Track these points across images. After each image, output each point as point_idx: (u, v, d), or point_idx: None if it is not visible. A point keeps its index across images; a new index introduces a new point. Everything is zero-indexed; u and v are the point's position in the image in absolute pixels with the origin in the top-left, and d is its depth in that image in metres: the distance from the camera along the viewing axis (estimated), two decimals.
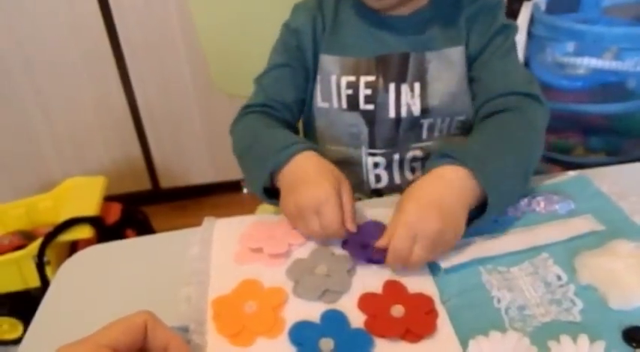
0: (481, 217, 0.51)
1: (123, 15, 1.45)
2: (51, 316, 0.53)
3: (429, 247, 0.48)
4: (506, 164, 0.53)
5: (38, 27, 1.44)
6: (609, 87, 1.31)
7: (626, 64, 1.26)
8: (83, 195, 1.36)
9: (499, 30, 0.66)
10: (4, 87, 1.51)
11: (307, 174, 0.55)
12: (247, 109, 0.70)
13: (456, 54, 0.66)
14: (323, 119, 0.71)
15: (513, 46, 0.67)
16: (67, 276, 0.59)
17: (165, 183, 1.76)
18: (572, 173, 0.59)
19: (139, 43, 1.50)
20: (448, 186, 0.50)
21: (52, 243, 1.25)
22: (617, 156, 1.33)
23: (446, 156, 0.53)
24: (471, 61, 0.67)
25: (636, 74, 1.27)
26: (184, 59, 1.53)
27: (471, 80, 0.67)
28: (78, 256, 0.62)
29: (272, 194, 0.59)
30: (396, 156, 0.69)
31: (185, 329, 0.45)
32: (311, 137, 0.74)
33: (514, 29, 0.68)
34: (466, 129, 0.68)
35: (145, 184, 1.75)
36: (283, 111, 0.69)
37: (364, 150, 0.69)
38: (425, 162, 0.66)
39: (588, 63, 1.28)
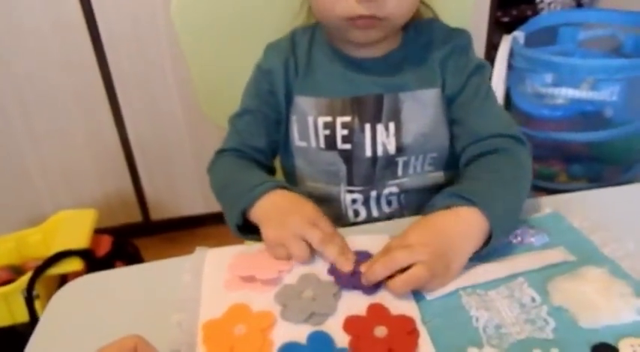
0: (482, 250, 0.54)
1: (115, 49, 1.48)
2: (43, 347, 0.54)
3: (428, 267, 0.49)
4: (505, 203, 0.56)
5: (30, 63, 1.46)
6: (588, 116, 1.35)
7: (602, 94, 1.31)
8: (73, 228, 1.36)
9: (474, 70, 0.67)
10: None
11: (281, 208, 0.58)
12: (222, 152, 0.73)
13: (429, 95, 0.67)
14: (301, 158, 0.72)
15: (490, 87, 0.69)
16: (58, 307, 0.59)
17: (156, 215, 1.77)
18: (547, 210, 0.62)
19: (130, 77, 1.53)
20: (455, 219, 0.54)
21: (42, 277, 1.24)
22: (598, 182, 1.37)
23: (454, 195, 0.55)
24: (449, 102, 0.68)
25: (612, 103, 1.31)
26: (175, 92, 1.56)
27: (451, 121, 0.68)
28: (69, 286, 0.62)
29: (249, 230, 0.61)
30: (374, 193, 0.70)
31: None
32: (290, 175, 0.75)
33: (488, 69, 0.69)
34: (438, 165, 0.70)
35: (136, 216, 1.75)
36: (256, 154, 0.72)
37: (343, 187, 0.70)
38: (400, 198, 0.71)
39: (566, 93, 1.33)
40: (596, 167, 1.38)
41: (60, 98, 1.52)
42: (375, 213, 0.71)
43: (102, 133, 1.60)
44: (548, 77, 1.35)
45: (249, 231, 0.61)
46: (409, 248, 0.50)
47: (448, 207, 0.55)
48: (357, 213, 0.72)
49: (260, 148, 0.72)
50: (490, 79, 0.71)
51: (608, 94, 1.30)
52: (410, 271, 0.49)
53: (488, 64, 0.70)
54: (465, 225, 0.53)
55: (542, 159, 1.40)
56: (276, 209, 0.59)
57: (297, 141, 0.71)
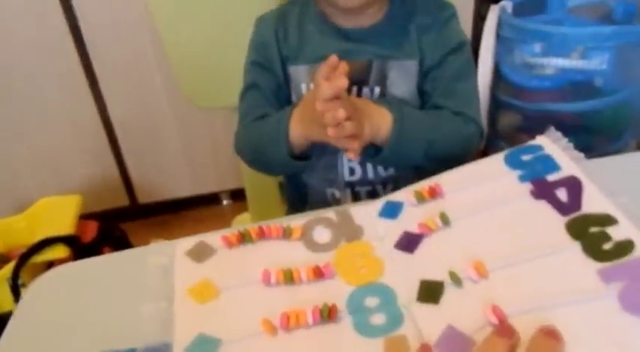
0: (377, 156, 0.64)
1: (93, 33, 1.44)
2: (19, 335, 0.52)
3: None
4: (418, 136, 0.65)
5: (7, 50, 1.42)
6: (577, 85, 1.33)
7: (593, 63, 1.29)
8: (58, 215, 1.34)
9: (454, 48, 0.70)
10: None
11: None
12: (243, 127, 0.75)
13: (411, 66, 0.70)
14: None
15: (468, 66, 0.72)
16: (36, 295, 0.58)
17: (144, 198, 1.74)
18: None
19: (109, 59, 1.49)
20: (379, 112, 0.64)
21: (27, 265, 1.22)
22: (588, 152, 1.35)
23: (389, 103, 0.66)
24: (424, 74, 0.70)
25: (602, 72, 1.29)
26: (157, 73, 1.52)
27: (422, 92, 0.71)
28: (48, 275, 0.61)
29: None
30: None
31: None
32: None
33: (469, 46, 0.72)
34: None
35: (123, 200, 1.72)
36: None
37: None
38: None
39: (556, 63, 1.30)
40: (586, 137, 1.37)
41: (39, 83, 1.48)
42: (370, 174, 0.73)
43: (84, 117, 1.56)
44: (538, 47, 1.33)
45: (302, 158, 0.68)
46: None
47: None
48: (352, 172, 0.73)
49: (270, 113, 0.74)
50: (474, 54, 0.74)
51: (598, 63, 1.28)
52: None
53: (469, 42, 0.73)
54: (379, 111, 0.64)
55: (531, 131, 1.38)
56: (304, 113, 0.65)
57: None
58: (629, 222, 0.45)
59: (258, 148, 0.72)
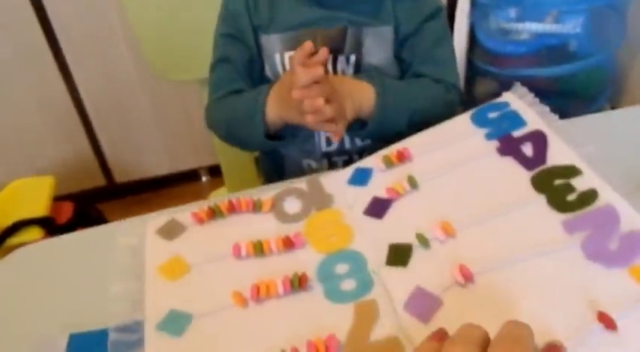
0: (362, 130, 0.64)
1: (56, 5, 1.39)
2: None
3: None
4: (401, 107, 0.64)
5: None
6: (552, 50, 1.33)
7: (567, 27, 1.28)
8: (31, 197, 1.31)
9: (430, 15, 0.69)
10: None
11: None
12: (210, 106, 0.74)
13: (387, 33, 0.68)
14: None
15: (445, 32, 0.72)
16: (3, 274, 0.56)
17: (121, 177, 1.72)
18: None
19: (75, 33, 1.43)
20: (360, 87, 0.63)
21: (1, 248, 1.20)
22: (564, 117, 1.36)
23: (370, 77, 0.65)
24: (401, 42, 0.69)
25: (576, 36, 1.29)
26: (125, 47, 1.48)
27: (400, 60, 0.70)
28: (16, 254, 0.59)
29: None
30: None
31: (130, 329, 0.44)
32: None
33: (444, 13, 0.71)
34: None
35: (99, 180, 1.70)
36: (241, 91, 0.73)
37: None
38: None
39: (530, 27, 1.30)
40: (562, 101, 1.36)
41: (4, 62, 1.42)
42: (347, 144, 0.73)
43: (53, 97, 1.51)
44: (512, 12, 1.32)
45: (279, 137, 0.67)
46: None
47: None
48: (329, 142, 0.73)
49: (243, 90, 0.72)
50: (449, 21, 0.73)
51: (572, 26, 1.27)
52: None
53: (445, 7, 0.73)
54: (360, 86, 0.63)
55: None
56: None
57: (272, 78, 0.72)
58: (593, 172, 0.46)
59: (233, 126, 0.70)
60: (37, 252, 0.60)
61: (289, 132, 0.68)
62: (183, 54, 0.91)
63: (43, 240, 0.62)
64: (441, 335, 0.32)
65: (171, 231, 0.53)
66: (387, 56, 0.70)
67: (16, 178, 1.38)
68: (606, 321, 0.34)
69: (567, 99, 1.37)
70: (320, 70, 0.55)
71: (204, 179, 1.77)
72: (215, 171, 1.74)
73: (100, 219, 1.44)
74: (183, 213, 0.55)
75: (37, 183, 1.36)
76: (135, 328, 0.44)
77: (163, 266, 0.50)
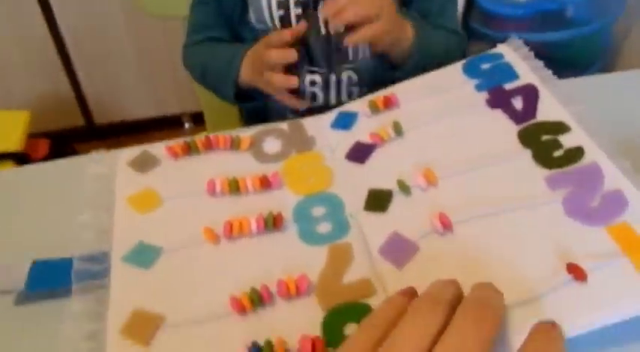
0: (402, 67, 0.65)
1: None
2: None
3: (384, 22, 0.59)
4: (430, 52, 0.65)
5: None
6: (548, 15, 1.30)
7: None
8: (4, 130, 1.27)
9: None
10: None
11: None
12: (188, 47, 0.75)
13: None
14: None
15: None
16: None
17: (100, 118, 1.67)
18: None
19: None
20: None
21: None
22: None
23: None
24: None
25: (575, 2, 1.27)
26: None
27: (404, 3, 0.70)
28: None
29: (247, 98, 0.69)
30: (333, 78, 0.70)
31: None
32: None
33: None
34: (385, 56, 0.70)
35: (78, 120, 1.65)
36: (219, 40, 0.73)
37: (305, 68, 0.69)
38: (360, 83, 0.72)
39: None
40: (553, 69, 1.36)
41: None
42: (333, 100, 0.72)
43: (31, 30, 1.44)
44: None
45: (249, 97, 0.68)
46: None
47: None
48: (314, 97, 0.71)
49: (220, 37, 0.73)
50: None
51: None
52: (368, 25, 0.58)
53: None
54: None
55: None
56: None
57: (255, 24, 0.69)
58: (581, 129, 0.45)
59: (206, 77, 0.71)
60: (6, 179, 0.58)
61: (260, 94, 0.67)
62: None
63: (11, 169, 0.59)
64: (411, 293, 0.31)
65: (143, 164, 0.51)
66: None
67: None
68: (576, 272, 0.34)
69: (559, 66, 1.33)
70: (293, 54, 0.59)
71: (186, 126, 1.73)
72: (198, 119, 1.70)
73: None
74: (158, 146, 0.53)
75: (11, 116, 1.32)
76: (101, 258, 0.43)
77: (134, 197, 0.48)
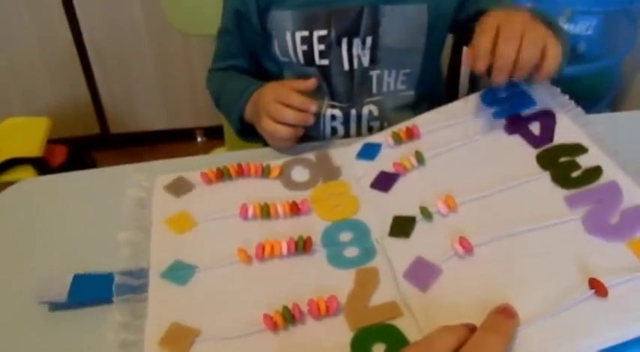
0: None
1: None
2: None
3: (532, 39, 0.48)
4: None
5: None
6: None
7: (579, 27, 1.29)
8: (24, 136, 1.30)
9: None
10: None
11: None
12: (211, 71, 0.76)
13: (413, 11, 0.65)
14: (289, 71, 0.71)
15: None
16: (1, 208, 0.57)
17: (115, 128, 1.70)
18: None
19: None
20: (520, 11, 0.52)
21: None
22: None
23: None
24: (457, 10, 0.68)
25: (587, 38, 1.30)
26: None
27: (465, 23, 0.67)
28: (14, 188, 0.60)
29: (252, 133, 0.67)
30: (353, 112, 0.70)
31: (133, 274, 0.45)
32: None
33: None
34: (410, 83, 0.70)
35: (94, 128, 1.68)
36: (242, 70, 0.74)
37: (326, 101, 0.71)
38: (381, 117, 0.70)
39: None
40: None
41: None
42: (353, 134, 0.72)
43: (55, 37, 1.48)
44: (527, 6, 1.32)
45: (253, 133, 0.66)
46: (512, 36, 0.48)
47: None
48: (334, 131, 0.72)
49: (242, 67, 0.74)
50: None
51: (584, 28, 1.28)
52: (524, 53, 0.47)
53: None
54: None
55: None
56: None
57: (280, 56, 0.70)
58: (599, 149, 0.47)
59: (219, 106, 0.73)
60: (37, 187, 0.61)
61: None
62: (201, 8, 0.89)
63: (43, 176, 0.63)
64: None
65: (179, 188, 0.55)
66: (408, 35, 0.66)
67: (9, 115, 1.36)
68: (597, 287, 0.35)
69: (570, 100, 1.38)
70: (311, 119, 0.57)
71: (199, 139, 1.77)
72: (211, 133, 1.74)
73: (92, 167, 1.44)
74: (192, 172, 0.56)
75: (32, 122, 1.35)
76: (139, 274, 0.45)
77: (170, 219, 0.51)
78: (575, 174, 0.45)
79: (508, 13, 0.51)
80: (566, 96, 0.54)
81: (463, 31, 0.69)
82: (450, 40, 1.51)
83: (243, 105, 0.66)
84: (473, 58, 0.49)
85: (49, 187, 0.60)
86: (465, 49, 1.52)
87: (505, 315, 0.34)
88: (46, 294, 0.44)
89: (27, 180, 0.62)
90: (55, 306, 0.44)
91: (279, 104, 0.58)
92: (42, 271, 0.46)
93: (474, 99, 0.57)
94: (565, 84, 1.50)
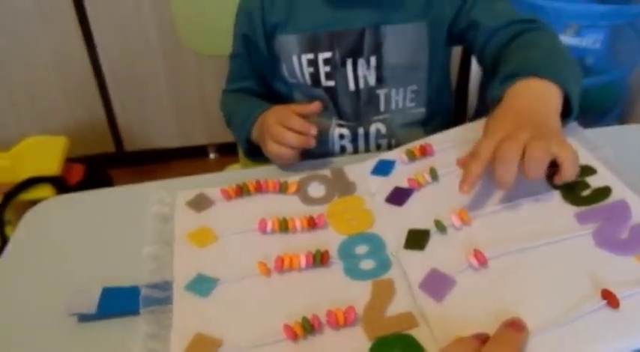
0: (566, 121, 0.52)
1: None
2: (11, 272, 0.54)
3: (541, 135, 0.45)
4: (562, 66, 0.54)
5: None
6: None
7: (586, 41, 1.30)
8: (43, 155, 1.33)
9: None
10: None
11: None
12: (224, 92, 0.79)
13: (413, 29, 0.67)
14: (298, 92, 0.74)
15: None
16: (29, 227, 0.59)
17: (130, 146, 1.74)
18: None
19: None
20: (531, 95, 0.50)
21: (12, 203, 1.23)
22: None
23: (513, 75, 0.52)
24: (453, 21, 0.67)
25: (595, 51, 1.31)
26: (149, 15, 1.49)
27: (461, 32, 0.67)
28: (40, 207, 0.62)
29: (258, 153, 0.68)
30: (361, 130, 0.72)
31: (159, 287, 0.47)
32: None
33: None
34: (419, 100, 0.72)
35: (109, 146, 1.72)
36: (253, 92, 0.77)
37: (334, 120, 0.73)
38: (389, 135, 0.72)
39: None
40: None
41: (25, 19, 1.44)
42: (361, 146, 0.74)
43: (71, 57, 1.53)
44: None
45: (259, 153, 0.67)
46: (513, 138, 0.45)
47: (512, 85, 0.52)
48: (343, 150, 0.74)
49: (253, 89, 0.76)
50: None
51: (591, 41, 1.30)
52: (529, 155, 0.43)
53: None
54: (542, 96, 0.50)
55: None
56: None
57: (288, 78, 0.72)
58: (607, 171, 0.48)
59: (230, 127, 0.75)
60: (66, 203, 0.63)
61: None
62: (214, 27, 0.92)
63: (71, 194, 0.65)
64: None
65: (199, 204, 0.57)
66: (412, 53, 0.68)
67: (26, 135, 1.40)
68: (610, 298, 0.37)
69: (578, 113, 1.39)
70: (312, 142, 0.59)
71: (211, 156, 1.80)
72: (223, 150, 1.77)
73: (109, 184, 1.46)
74: (212, 188, 0.58)
75: (50, 142, 1.38)
76: (164, 286, 0.47)
77: (192, 234, 0.53)
78: (585, 193, 0.47)
79: (514, 122, 0.47)
80: (574, 123, 0.55)
81: (462, 43, 0.71)
82: (457, 53, 1.54)
83: (249, 127, 0.67)
84: (462, 179, 0.46)
85: (73, 205, 0.63)
86: (473, 63, 1.54)
87: (514, 328, 0.36)
88: (76, 307, 0.46)
89: (52, 199, 0.64)
90: (84, 318, 0.46)
91: (282, 127, 0.59)
92: (71, 285, 0.48)
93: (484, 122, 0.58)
94: None
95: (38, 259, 0.54)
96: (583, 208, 0.45)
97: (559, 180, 0.46)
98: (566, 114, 0.52)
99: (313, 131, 0.58)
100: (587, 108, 1.40)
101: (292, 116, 0.60)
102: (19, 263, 0.54)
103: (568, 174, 0.45)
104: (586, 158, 0.51)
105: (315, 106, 0.61)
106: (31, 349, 0.45)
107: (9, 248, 0.56)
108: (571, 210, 0.46)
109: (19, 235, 0.58)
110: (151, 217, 0.55)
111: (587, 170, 0.49)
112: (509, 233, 0.45)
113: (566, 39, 1.31)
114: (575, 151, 0.45)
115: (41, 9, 1.43)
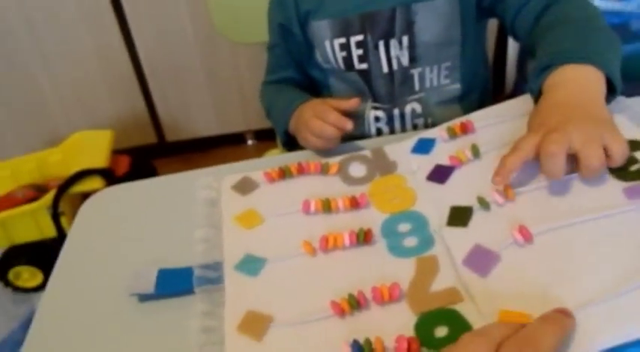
0: (610, 98, 0.50)
1: None
2: (74, 257, 0.57)
3: (587, 128, 0.43)
4: (601, 43, 0.53)
5: None
6: (613, 29, 1.29)
7: (631, 5, 1.25)
8: (92, 148, 1.39)
9: None
10: (7, 46, 1.51)
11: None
12: (264, 84, 0.81)
13: (445, 5, 0.66)
14: (333, 77, 0.75)
15: None
16: (85, 219, 0.63)
17: (171, 136, 1.79)
18: None
19: None
20: (572, 86, 0.48)
21: (65, 195, 1.29)
22: None
23: (549, 67, 0.50)
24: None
25: (638, 15, 1.25)
26: (184, 7, 1.52)
27: (490, 5, 0.66)
28: (94, 199, 0.66)
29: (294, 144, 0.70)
30: (396, 111, 0.72)
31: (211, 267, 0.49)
32: (326, 92, 0.77)
33: None
34: (453, 77, 0.71)
35: (151, 137, 1.77)
36: (291, 82, 0.78)
37: (369, 103, 0.73)
38: (425, 114, 0.72)
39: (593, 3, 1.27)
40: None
41: (66, 17, 1.49)
42: (397, 126, 0.74)
43: (112, 54, 1.58)
44: None
45: (296, 144, 0.68)
46: (557, 130, 0.43)
47: (548, 78, 0.50)
48: (379, 132, 0.74)
49: (292, 78, 0.78)
50: None
51: (636, 6, 1.24)
52: (584, 154, 0.43)
53: None
54: (582, 84, 0.48)
55: None
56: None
57: (323, 64, 0.73)
58: None
59: (269, 118, 0.77)
60: (118, 194, 0.67)
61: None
62: (249, 15, 0.93)
63: (125, 184, 0.68)
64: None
65: (245, 187, 0.59)
66: (443, 28, 0.67)
67: (74, 130, 1.46)
68: None
69: (625, 79, 1.34)
70: (346, 127, 0.59)
71: (249, 142, 1.83)
72: (261, 136, 1.80)
73: (154, 174, 1.51)
74: (256, 171, 0.60)
75: (97, 136, 1.43)
76: (216, 267, 0.50)
77: (239, 216, 0.55)
78: (633, 168, 0.46)
79: (556, 116, 0.46)
80: (622, 97, 0.54)
81: (493, 16, 0.69)
82: (494, 27, 1.50)
83: (287, 119, 0.69)
84: (496, 170, 0.46)
85: (125, 195, 0.66)
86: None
87: (563, 314, 0.35)
88: (136, 287, 0.49)
89: (105, 190, 0.68)
90: (144, 298, 0.49)
91: (319, 120, 0.61)
92: (129, 268, 0.51)
93: (526, 98, 0.57)
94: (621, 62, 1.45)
95: (97, 246, 0.58)
96: (632, 183, 0.45)
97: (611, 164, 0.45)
98: (609, 89, 0.50)
99: (349, 126, 0.59)
100: (633, 76, 1.35)
101: (330, 110, 0.61)
102: (81, 250, 0.58)
103: (616, 164, 0.44)
104: (633, 132, 0.49)
105: (354, 102, 0.62)
106: (101, 329, 0.48)
107: (70, 237, 0.60)
108: (619, 185, 0.45)
109: (78, 225, 0.62)
110: (200, 202, 0.58)
111: (636, 144, 0.48)
112: (555, 209, 0.45)
113: (610, 4, 1.26)
114: (626, 142, 0.44)
115: (81, 7, 1.48)
